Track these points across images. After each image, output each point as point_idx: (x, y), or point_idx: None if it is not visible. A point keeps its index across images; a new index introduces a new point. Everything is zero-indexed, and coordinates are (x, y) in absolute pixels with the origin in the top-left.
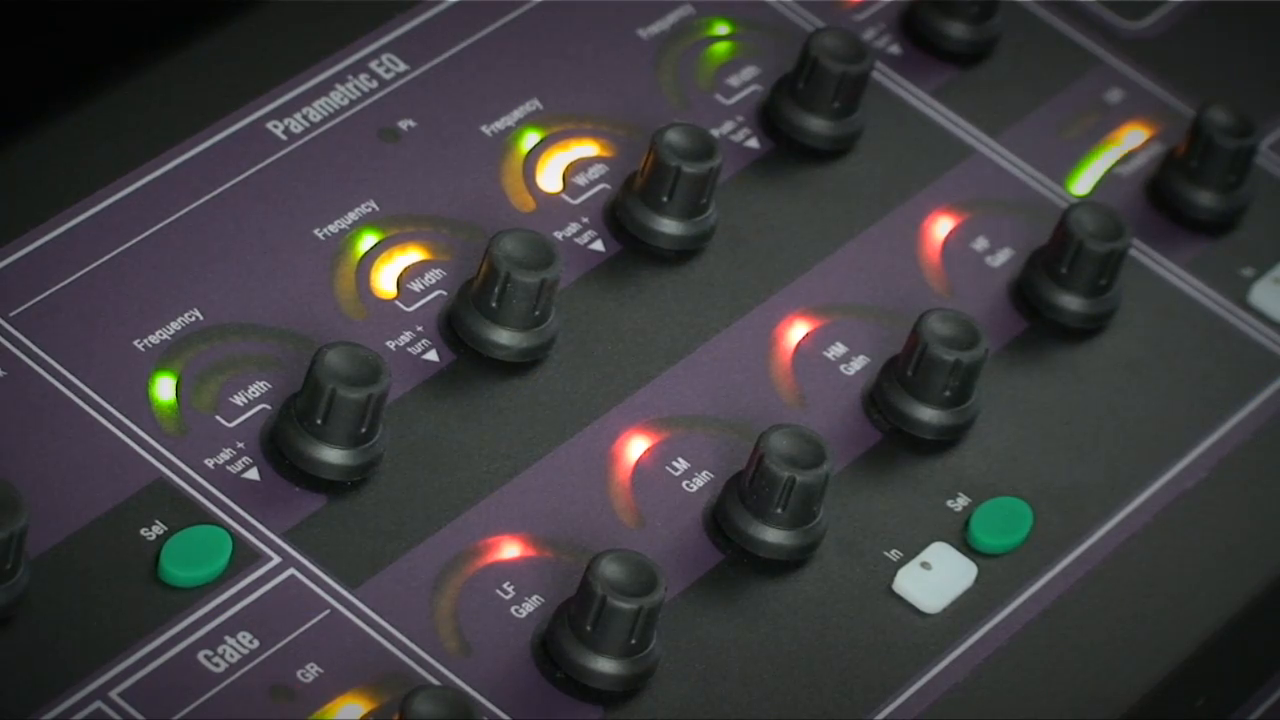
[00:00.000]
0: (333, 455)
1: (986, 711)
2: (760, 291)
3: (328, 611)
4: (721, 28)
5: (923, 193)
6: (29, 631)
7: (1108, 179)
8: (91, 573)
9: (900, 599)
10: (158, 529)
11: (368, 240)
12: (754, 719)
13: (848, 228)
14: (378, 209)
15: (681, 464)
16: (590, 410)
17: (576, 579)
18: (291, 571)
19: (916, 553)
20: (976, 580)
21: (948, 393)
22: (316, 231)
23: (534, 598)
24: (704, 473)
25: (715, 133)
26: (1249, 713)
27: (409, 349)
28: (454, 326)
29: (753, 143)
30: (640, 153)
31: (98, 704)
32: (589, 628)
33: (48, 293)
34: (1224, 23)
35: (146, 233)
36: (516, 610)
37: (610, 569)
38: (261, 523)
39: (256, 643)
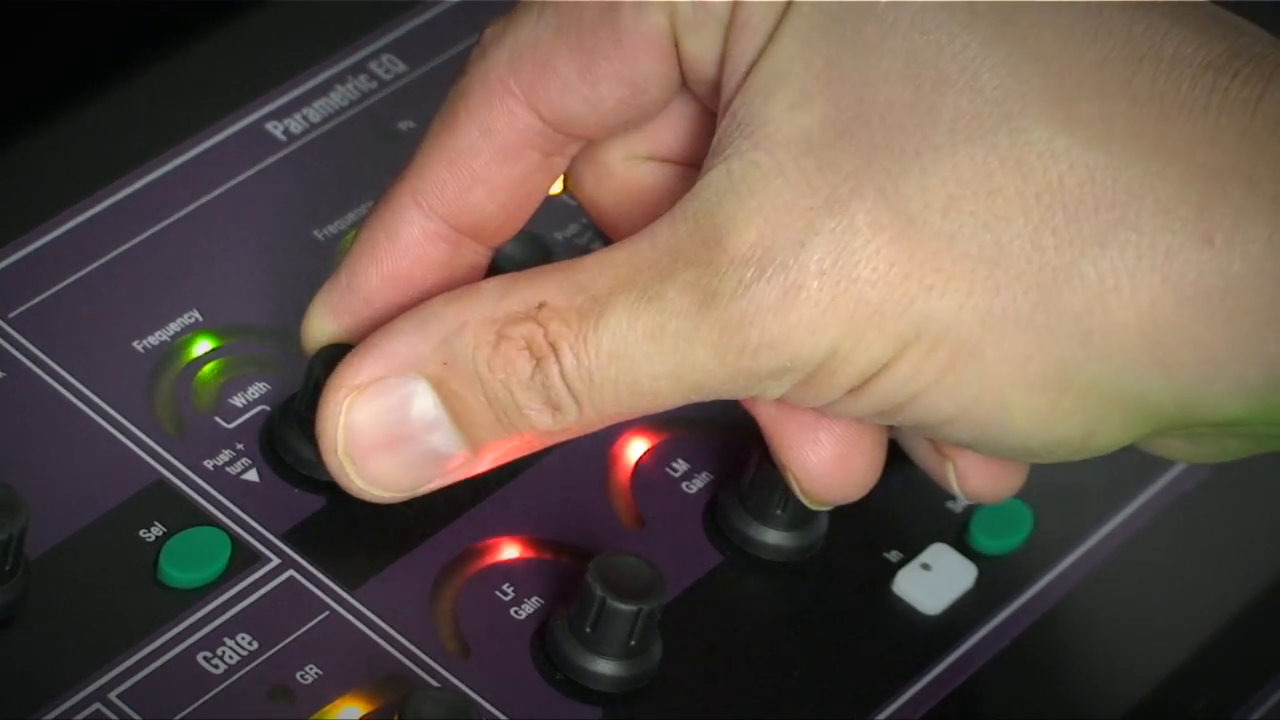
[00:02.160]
0: None
1: (987, 713)
2: None
3: (327, 613)
4: None
5: None
6: (28, 632)
7: None
8: (91, 574)
9: (900, 600)
10: (157, 530)
11: None
12: (754, 719)
13: None
14: None
15: (681, 464)
16: None
17: (576, 580)
18: (291, 573)
19: (916, 553)
20: (976, 581)
21: None
22: (316, 232)
23: (533, 599)
24: (704, 473)
25: None
26: (1249, 713)
27: None
28: None
29: None
30: None
31: (97, 705)
32: (588, 629)
33: (48, 293)
34: None
35: (146, 233)
36: (516, 611)
37: (610, 570)
38: (261, 524)
39: (256, 644)
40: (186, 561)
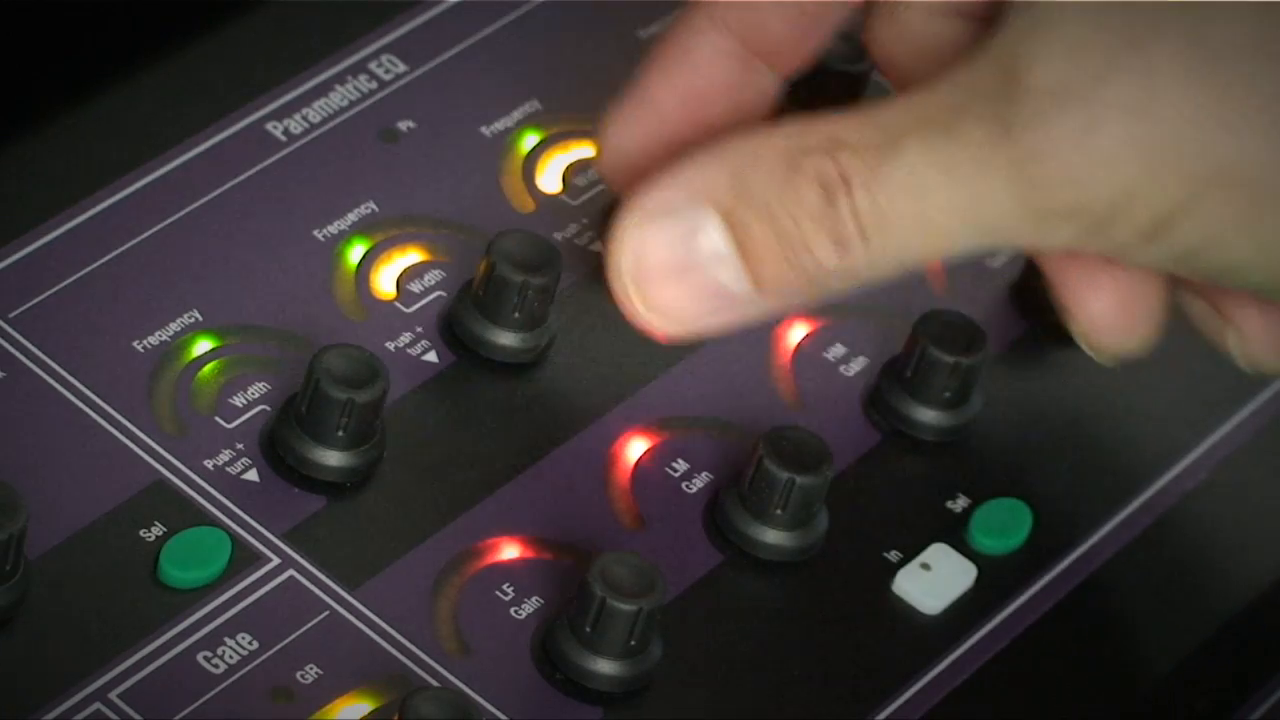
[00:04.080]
0: (332, 457)
1: (987, 713)
2: None
3: (327, 613)
4: None
5: None
6: (29, 632)
7: None
8: (91, 573)
9: (900, 599)
10: (157, 530)
11: (367, 241)
12: (754, 719)
13: None
14: (377, 210)
15: (681, 464)
16: (590, 410)
17: (576, 580)
18: (291, 573)
19: (916, 553)
20: (976, 581)
21: (947, 394)
22: (316, 232)
23: (533, 599)
24: (704, 473)
25: None
26: (1249, 713)
27: (408, 350)
28: (453, 327)
29: None
30: None
31: (97, 705)
32: (588, 629)
33: (48, 293)
34: None
35: (146, 233)
36: (516, 611)
37: (610, 570)
38: (261, 524)
39: (256, 644)
40: (186, 561)
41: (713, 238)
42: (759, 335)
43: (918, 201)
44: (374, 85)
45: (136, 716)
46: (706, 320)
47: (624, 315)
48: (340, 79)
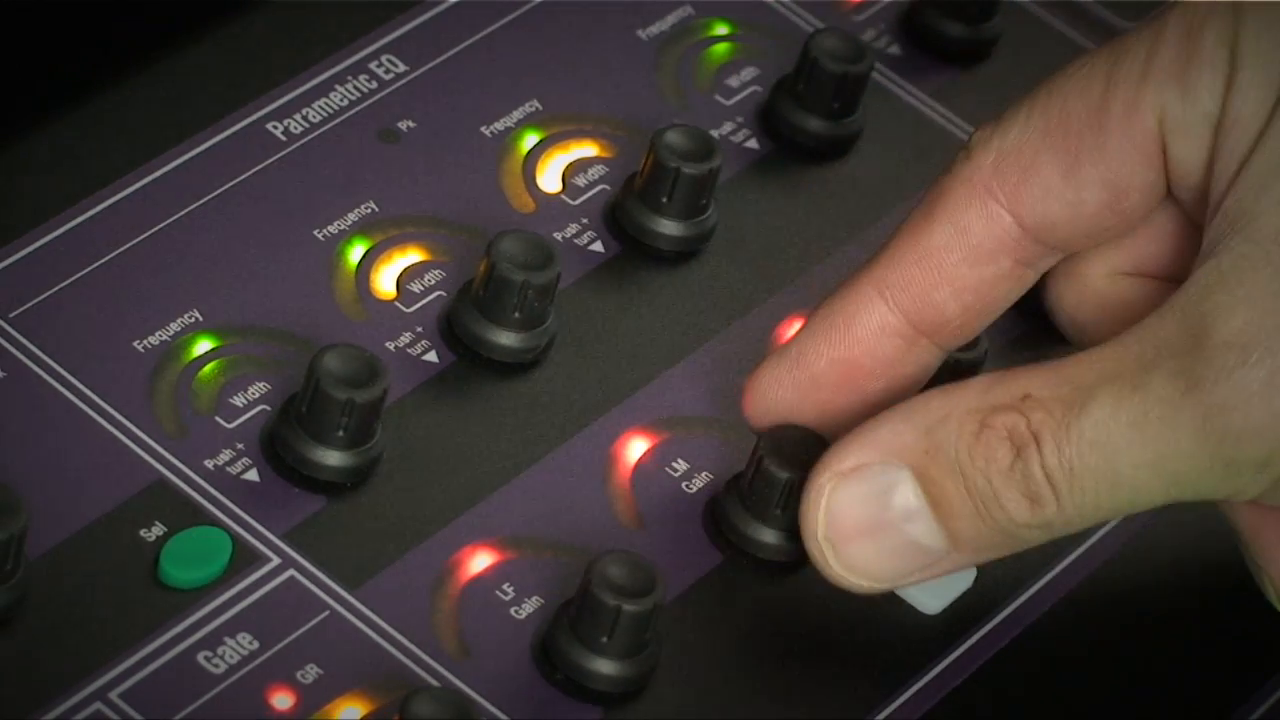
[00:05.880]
0: (332, 457)
1: (986, 713)
2: (759, 292)
3: (327, 613)
4: (721, 28)
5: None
6: (29, 632)
7: None
8: (91, 573)
9: (900, 599)
10: (157, 530)
11: (367, 241)
12: (754, 719)
13: (848, 229)
14: (377, 210)
15: (681, 464)
16: (590, 410)
17: (576, 580)
18: (291, 573)
19: None
20: (976, 580)
21: None
22: (316, 232)
23: (533, 598)
24: (704, 473)
25: (715, 133)
26: (1249, 713)
27: (408, 350)
28: (453, 327)
29: (752, 143)
30: (640, 154)
31: (97, 705)
32: (588, 629)
33: (48, 293)
34: None
35: (146, 233)
36: (516, 611)
37: (610, 570)
38: (261, 524)
39: (256, 644)
40: (186, 561)
41: (906, 495)
42: (758, 336)
43: (1108, 458)
44: (374, 85)
45: (136, 716)
46: (903, 576)
47: (819, 572)
48: (340, 79)
